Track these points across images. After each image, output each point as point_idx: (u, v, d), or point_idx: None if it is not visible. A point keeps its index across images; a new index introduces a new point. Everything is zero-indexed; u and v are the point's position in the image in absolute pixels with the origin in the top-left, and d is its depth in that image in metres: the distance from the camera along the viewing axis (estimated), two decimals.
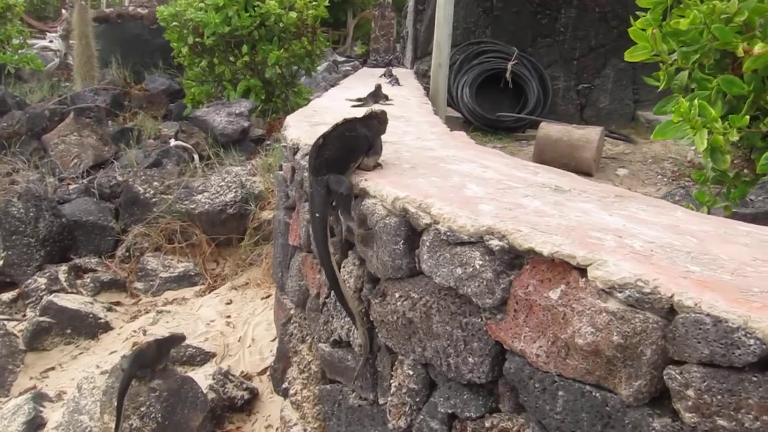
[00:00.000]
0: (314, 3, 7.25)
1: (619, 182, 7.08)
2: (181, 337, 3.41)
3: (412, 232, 1.85)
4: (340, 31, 23.02)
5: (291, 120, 3.31)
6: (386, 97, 4.56)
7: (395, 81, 8.96)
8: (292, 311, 2.99)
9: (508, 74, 9.07)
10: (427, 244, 1.75)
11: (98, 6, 18.42)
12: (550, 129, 7.42)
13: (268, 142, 6.09)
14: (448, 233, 1.68)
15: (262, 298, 4.32)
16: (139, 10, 10.49)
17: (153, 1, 11.38)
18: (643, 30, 2.82)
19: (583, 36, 9.54)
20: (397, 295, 1.90)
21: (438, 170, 2.18)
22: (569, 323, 1.42)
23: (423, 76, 9.66)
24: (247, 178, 5.06)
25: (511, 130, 9.04)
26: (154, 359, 3.02)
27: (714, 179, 3.05)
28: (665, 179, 7.33)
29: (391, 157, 2.37)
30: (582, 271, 1.42)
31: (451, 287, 1.69)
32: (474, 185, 1.97)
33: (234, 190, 4.92)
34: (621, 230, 1.60)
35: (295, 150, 2.75)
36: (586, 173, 7.06)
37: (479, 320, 1.66)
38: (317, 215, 2.03)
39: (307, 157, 2.29)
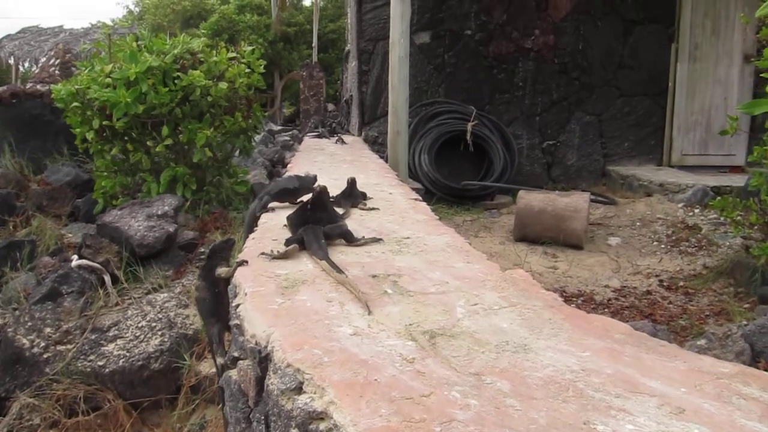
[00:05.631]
0: (247, 71, 6.06)
1: (615, 254, 6.13)
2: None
3: None
4: (266, 93, 22.03)
5: (245, 282, 2.00)
6: (364, 196, 3.37)
7: (341, 140, 8.23)
8: None
9: (468, 136, 8.08)
10: None
11: (9, 81, 16.56)
12: (531, 198, 6.45)
13: (202, 249, 4.75)
14: None
15: None
16: (38, 87, 9.00)
17: (56, 77, 9.92)
18: None
19: (544, 89, 8.72)
20: None
21: None
22: None
23: (373, 143, 8.58)
24: (177, 312, 3.70)
25: (477, 198, 8.01)
26: None
27: None
28: (663, 246, 6.43)
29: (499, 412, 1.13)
30: None
31: None
32: None
33: (159, 333, 3.56)
34: None
35: (262, 357, 1.47)
36: (576, 245, 6.12)
37: None
38: None
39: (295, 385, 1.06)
